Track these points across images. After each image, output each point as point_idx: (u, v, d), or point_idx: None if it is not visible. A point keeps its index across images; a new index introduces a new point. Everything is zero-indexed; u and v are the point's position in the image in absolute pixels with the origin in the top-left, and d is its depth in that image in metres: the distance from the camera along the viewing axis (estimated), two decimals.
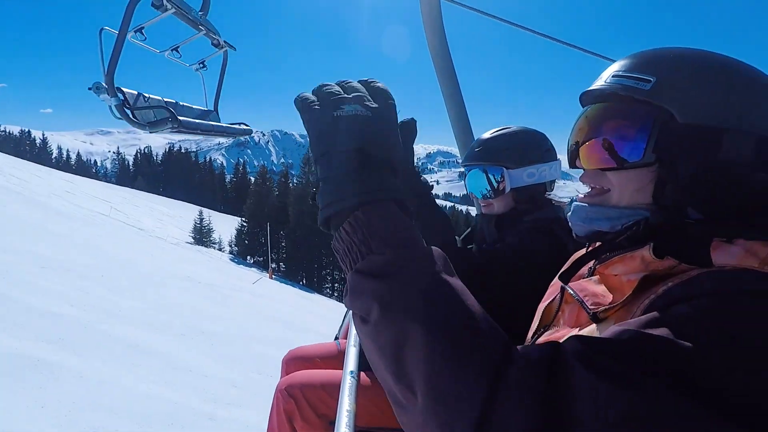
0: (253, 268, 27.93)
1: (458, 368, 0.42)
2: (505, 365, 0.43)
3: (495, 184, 1.54)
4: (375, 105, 0.54)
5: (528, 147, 1.56)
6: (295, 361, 1.80)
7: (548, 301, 0.87)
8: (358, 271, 0.50)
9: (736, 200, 0.62)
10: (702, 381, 0.40)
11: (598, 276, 0.73)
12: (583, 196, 0.76)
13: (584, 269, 0.80)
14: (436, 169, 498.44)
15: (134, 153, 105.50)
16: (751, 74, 0.64)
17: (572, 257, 0.91)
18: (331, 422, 1.48)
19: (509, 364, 0.43)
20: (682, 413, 0.38)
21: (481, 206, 1.64)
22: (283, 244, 35.99)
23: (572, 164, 0.77)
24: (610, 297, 0.66)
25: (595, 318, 0.63)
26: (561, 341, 0.48)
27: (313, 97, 0.55)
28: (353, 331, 1.35)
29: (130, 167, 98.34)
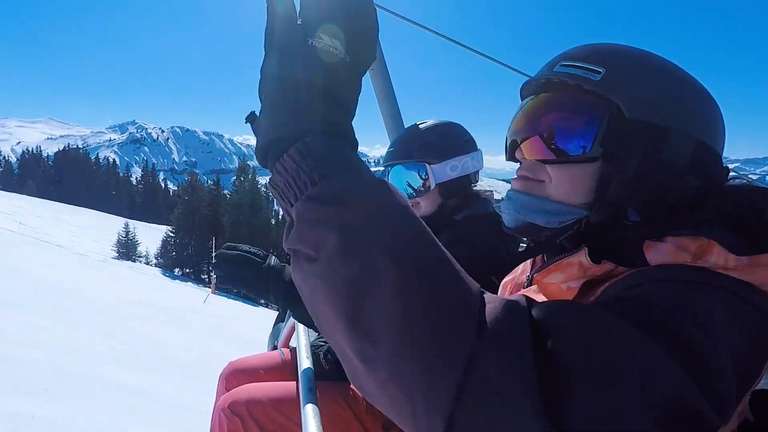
0: (189, 283, 26.52)
1: (439, 309, 0.36)
2: (483, 315, 0.38)
3: (420, 182, 1.47)
4: (357, 54, 0.46)
5: (447, 139, 1.50)
6: (236, 375, 1.65)
7: None
8: (310, 198, 0.41)
9: (672, 202, 0.62)
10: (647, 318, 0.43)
11: (536, 285, 0.72)
12: (516, 184, 0.72)
13: (522, 277, 0.81)
14: None
15: (8, 150, 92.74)
16: (693, 79, 0.65)
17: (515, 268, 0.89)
18: None
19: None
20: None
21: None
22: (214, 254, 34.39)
23: (511, 156, 0.74)
24: None
25: None
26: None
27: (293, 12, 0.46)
28: (303, 341, 1.28)
29: (15, 169, 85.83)
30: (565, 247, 0.68)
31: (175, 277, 27.27)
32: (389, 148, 1.54)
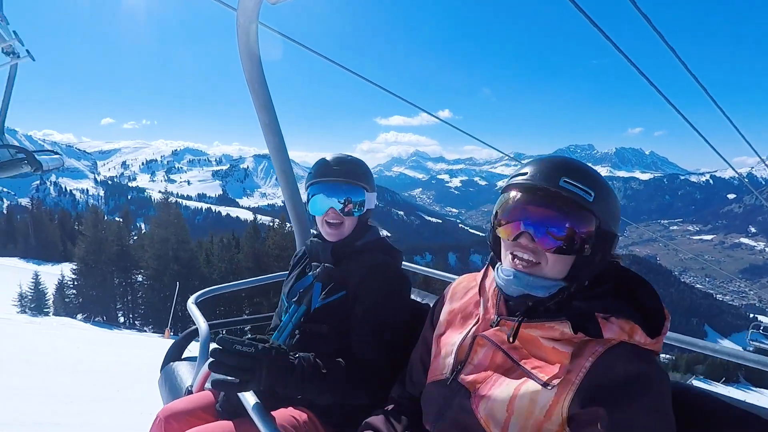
0: (127, 330, 25.14)
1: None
2: None
3: (355, 204, 1.65)
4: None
5: (371, 175, 1.74)
6: (176, 418, 1.56)
7: (458, 340, 1.18)
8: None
9: (610, 284, 1.05)
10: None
11: (506, 328, 1.07)
12: (519, 264, 1.04)
13: (489, 316, 1.15)
14: (185, 168, 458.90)
15: None
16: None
17: (476, 307, 1.22)
18: None
19: None
20: None
21: (329, 225, 1.66)
22: (140, 294, 32.16)
23: (514, 236, 1.04)
24: (525, 350, 1.03)
25: (535, 378, 0.98)
26: None
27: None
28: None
29: None
30: (537, 309, 1.05)
31: (102, 326, 25.28)
32: (332, 165, 1.65)
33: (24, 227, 55.49)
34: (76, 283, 31.32)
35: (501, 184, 1.20)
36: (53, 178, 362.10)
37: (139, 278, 32.76)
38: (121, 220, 34.68)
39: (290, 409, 1.53)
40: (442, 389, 1.16)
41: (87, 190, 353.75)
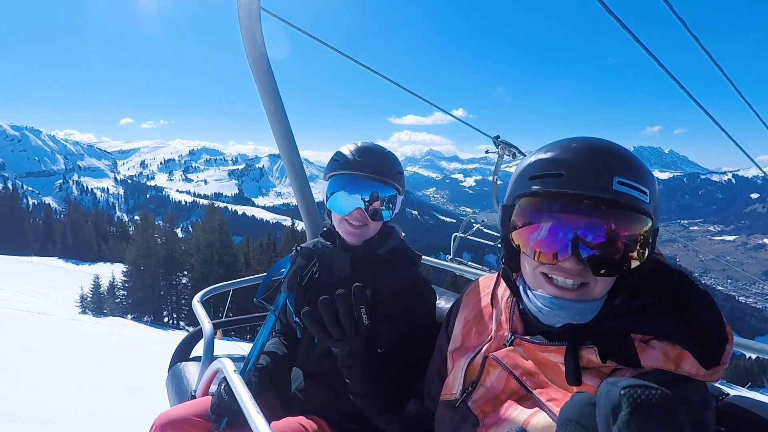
0: (179, 330, 26.23)
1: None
2: None
3: (387, 206, 1.44)
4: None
5: (403, 173, 1.49)
6: (173, 426, 1.51)
7: (469, 358, 0.99)
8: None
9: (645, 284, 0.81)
10: None
11: (522, 348, 0.88)
12: (560, 289, 0.81)
13: (502, 333, 0.96)
14: (202, 167, 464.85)
15: None
16: None
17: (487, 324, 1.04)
18: None
19: None
20: None
21: (350, 224, 1.46)
22: (183, 295, 33.49)
23: (558, 253, 0.79)
24: (542, 377, 0.83)
25: (549, 411, 0.78)
26: None
27: None
28: (244, 394, 1.14)
29: None
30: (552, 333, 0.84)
31: (153, 325, 26.44)
32: (361, 156, 1.43)
33: (61, 228, 57.56)
34: (126, 285, 32.67)
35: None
36: (75, 177, 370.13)
37: (183, 280, 34.04)
38: (168, 224, 35.99)
39: (300, 417, 1.49)
40: (451, 412, 1.01)
41: (107, 189, 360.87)
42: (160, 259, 33.39)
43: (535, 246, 0.82)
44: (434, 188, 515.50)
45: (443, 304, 1.76)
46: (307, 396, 1.57)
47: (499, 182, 6.62)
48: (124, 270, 32.95)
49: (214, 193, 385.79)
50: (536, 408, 0.82)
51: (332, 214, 1.52)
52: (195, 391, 1.77)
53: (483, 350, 0.98)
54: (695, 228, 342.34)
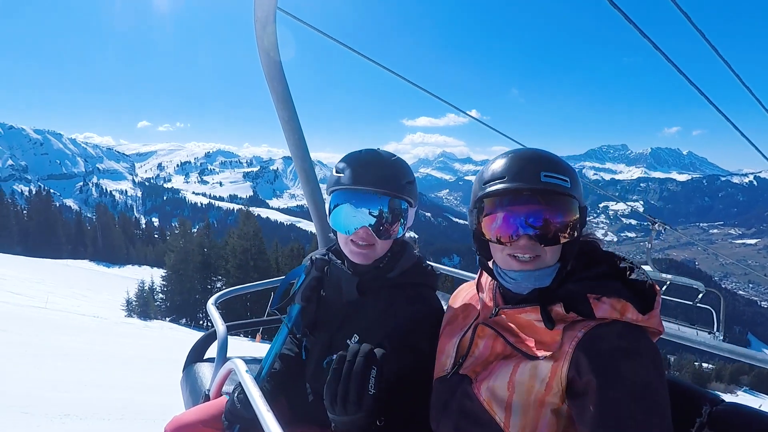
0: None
1: None
2: None
3: (397, 222, 1.30)
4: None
5: (416, 183, 1.35)
6: (185, 431, 1.50)
7: (459, 336, 1.19)
8: None
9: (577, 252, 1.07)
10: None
11: (504, 316, 1.10)
12: (523, 265, 1.05)
13: (488, 307, 1.18)
14: (217, 169, 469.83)
15: None
16: None
17: (472, 301, 1.28)
18: None
19: None
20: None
21: (355, 244, 1.32)
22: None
23: (513, 234, 1.05)
24: (522, 335, 1.05)
25: (532, 357, 1.00)
26: None
27: None
28: (255, 393, 1.15)
29: None
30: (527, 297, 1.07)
31: (195, 328, 27.22)
32: (367, 167, 1.29)
33: (91, 231, 59.27)
34: (165, 289, 33.96)
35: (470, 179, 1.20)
36: (95, 179, 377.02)
37: (218, 284, 35.09)
38: (205, 230, 37.08)
39: (314, 428, 1.44)
40: (445, 384, 1.18)
41: (126, 191, 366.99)
42: (197, 264, 34.56)
43: (496, 233, 1.07)
44: (447, 190, 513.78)
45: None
46: (318, 409, 1.43)
47: None
48: (163, 275, 34.21)
49: (230, 195, 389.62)
50: (522, 357, 1.03)
51: (337, 233, 1.38)
52: (209, 391, 1.78)
53: (472, 326, 1.18)
54: (715, 231, 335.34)
